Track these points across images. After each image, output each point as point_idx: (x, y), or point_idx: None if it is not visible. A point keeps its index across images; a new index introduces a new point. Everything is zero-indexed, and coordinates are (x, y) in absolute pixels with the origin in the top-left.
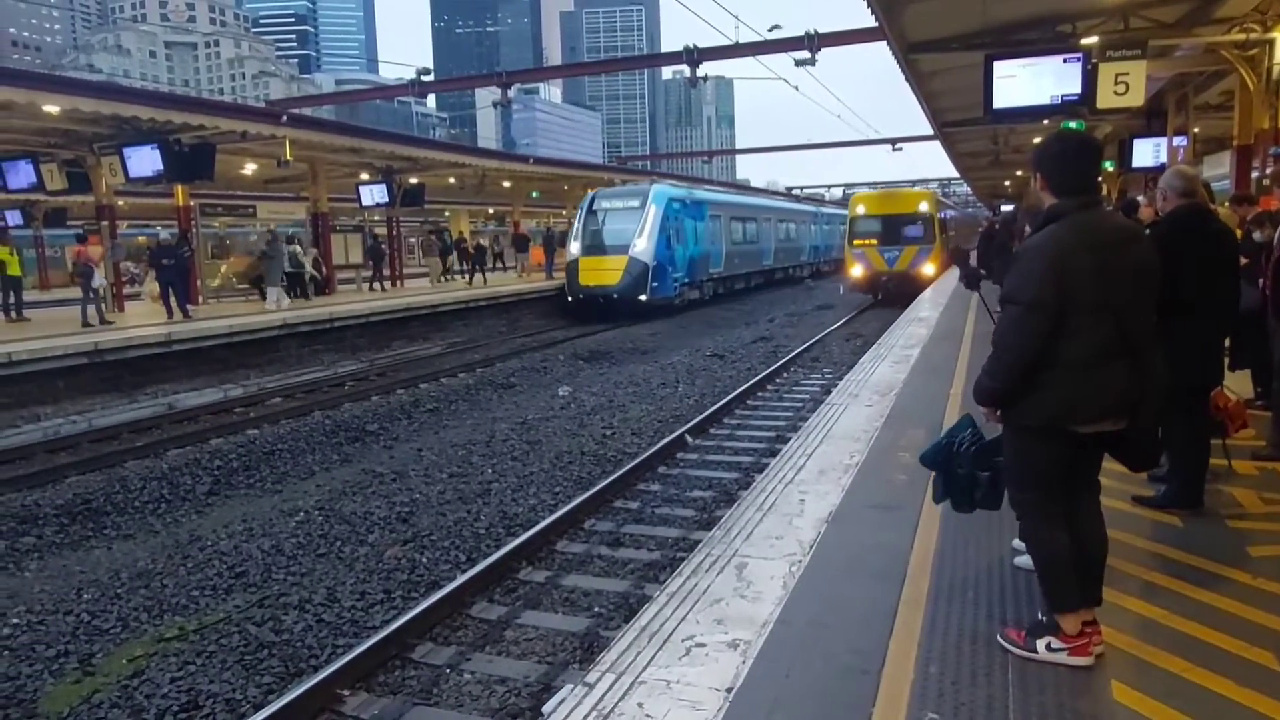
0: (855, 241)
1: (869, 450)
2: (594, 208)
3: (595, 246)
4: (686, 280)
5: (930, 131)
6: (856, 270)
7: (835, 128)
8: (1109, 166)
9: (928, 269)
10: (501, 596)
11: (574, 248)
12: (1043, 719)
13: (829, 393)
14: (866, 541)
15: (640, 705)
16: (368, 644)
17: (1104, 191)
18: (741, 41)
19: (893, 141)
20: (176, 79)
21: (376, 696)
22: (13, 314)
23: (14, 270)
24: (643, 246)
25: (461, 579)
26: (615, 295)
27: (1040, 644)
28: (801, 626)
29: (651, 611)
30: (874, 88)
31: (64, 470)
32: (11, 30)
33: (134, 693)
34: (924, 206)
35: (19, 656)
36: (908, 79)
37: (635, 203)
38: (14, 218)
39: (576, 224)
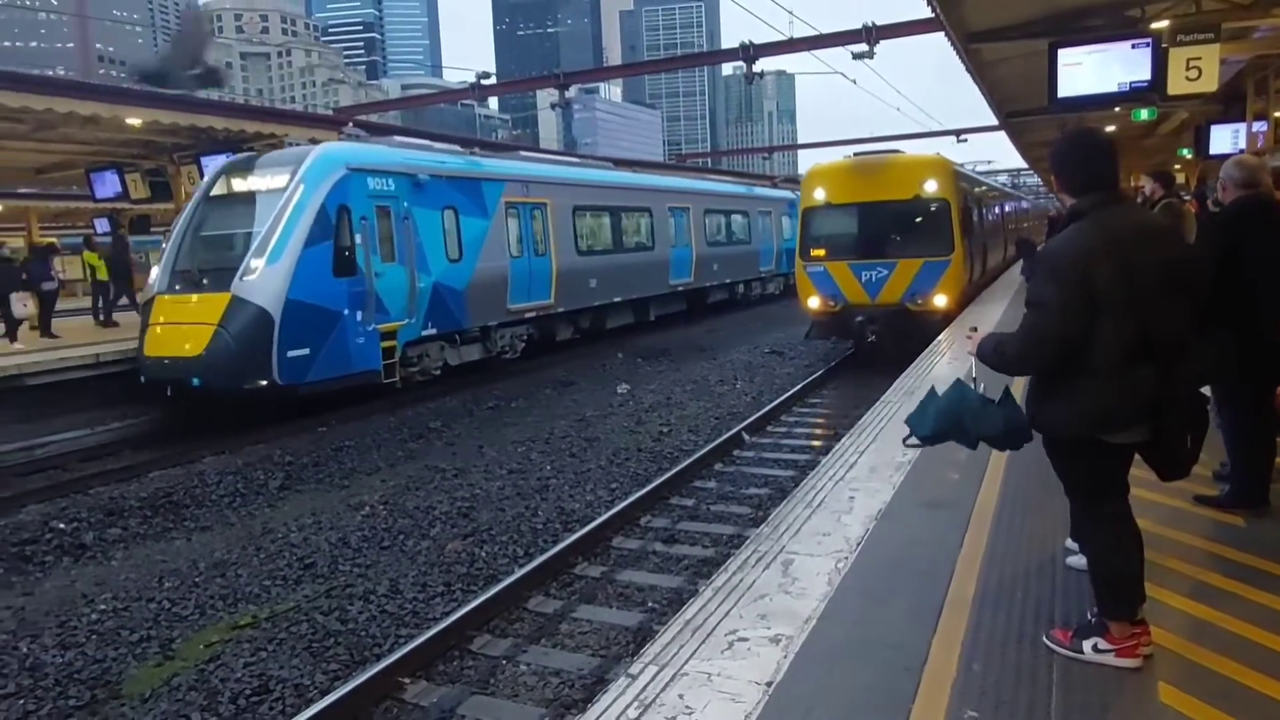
0: (813, 252)
1: (922, 448)
2: (213, 193)
3: (187, 275)
4: (434, 330)
5: (995, 122)
6: (814, 302)
7: (897, 121)
8: (1186, 154)
9: (939, 299)
10: (557, 591)
11: (154, 275)
12: (1083, 717)
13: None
14: (915, 539)
15: (681, 697)
16: (428, 635)
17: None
18: (796, 36)
19: (957, 133)
20: (251, 88)
21: (436, 685)
22: (101, 317)
23: (103, 275)
24: (266, 273)
25: (519, 573)
26: (198, 382)
27: (1087, 645)
28: (845, 623)
29: (696, 606)
30: (936, 78)
31: (148, 466)
32: (99, 46)
33: (210, 676)
34: (931, 186)
35: (105, 640)
36: (969, 69)
37: (278, 180)
38: (102, 225)
39: (177, 226)
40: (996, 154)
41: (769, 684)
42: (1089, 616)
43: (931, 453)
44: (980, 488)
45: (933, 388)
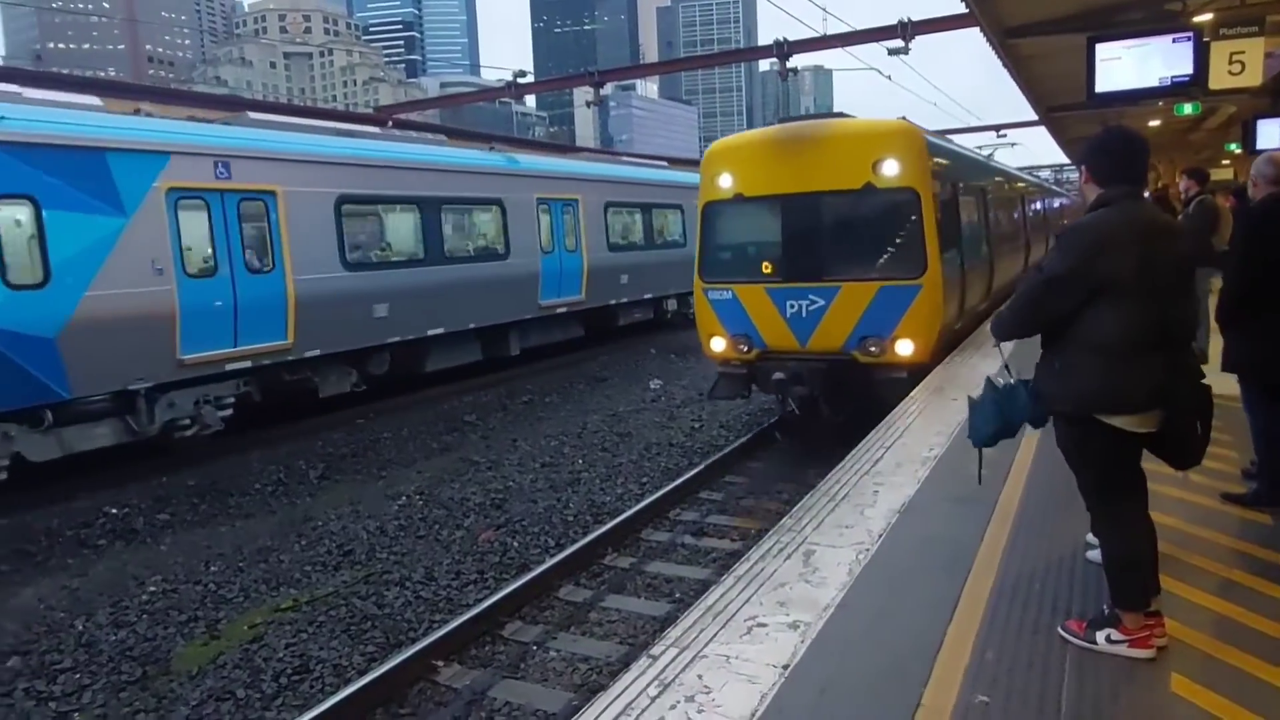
0: (717, 270)
1: (950, 443)
2: None
3: None
4: None
5: (1036, 117)
6: (718, 344)
7: (934, 116)
8: (1234, 148)
9: (903, 345)
10: (587, 580)
11: None
12: (1096, 707)
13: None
14: (937, 533)
15: (700, 677)
16: (461, 620)
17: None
18: (830, 34)
19: (997, 128)
20: (294, 87)
21: (468, 668)
22: None
23: None
24: None
25: (550, 563)
26: None
27: (1100, 635)
28: (862, 611)
29: (718, 593)
30: (976, 73)
31: (196, 455)
32: (148, 47)
33: (253, 656)
34: (891, 168)
35: (156, 620)
36: (1005, 65)
37: None
38: None
39: None
40: (1042, 150)
41: (785, 667)
42: (1103, 609)
43: (959, 448)
44: (1005, 483)
45: (969, 396)
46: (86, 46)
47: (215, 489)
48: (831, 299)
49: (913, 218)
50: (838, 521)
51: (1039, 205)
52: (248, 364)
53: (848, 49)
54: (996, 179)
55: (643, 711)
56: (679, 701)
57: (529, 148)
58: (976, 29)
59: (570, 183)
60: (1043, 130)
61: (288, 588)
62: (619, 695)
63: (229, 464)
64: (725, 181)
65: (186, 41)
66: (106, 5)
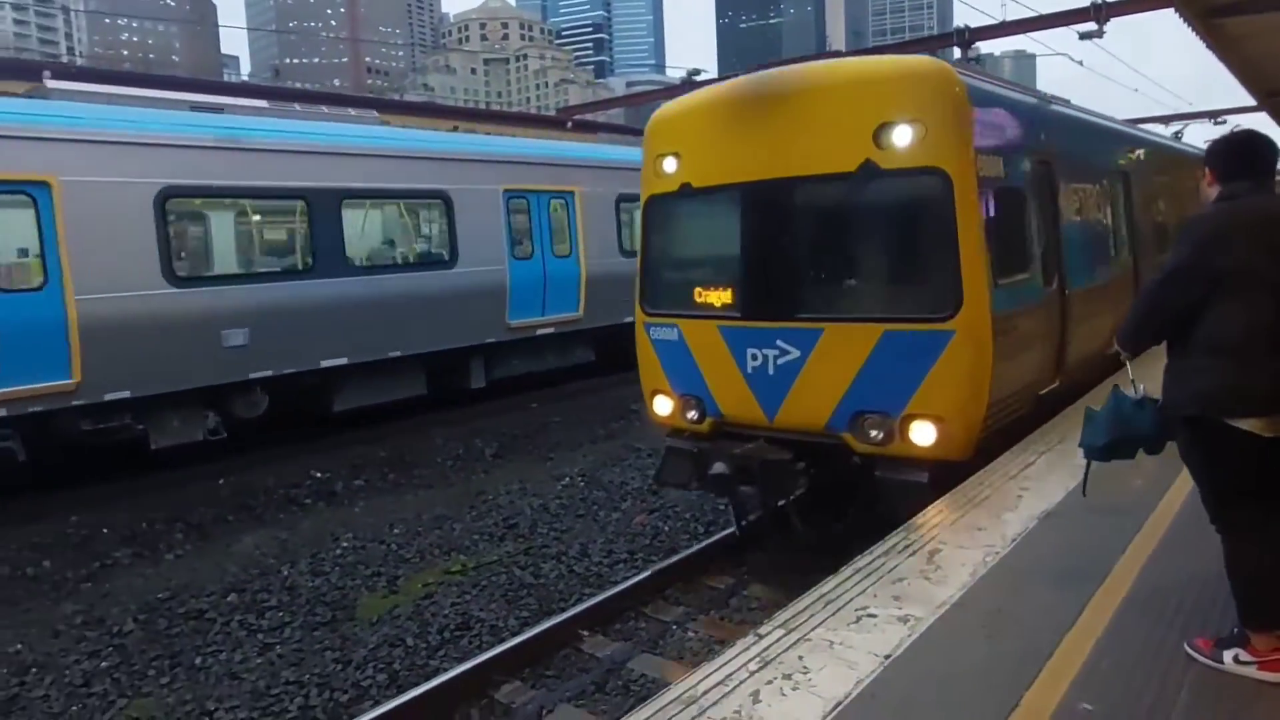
0: (655, 309)
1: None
2: None
3: None
4: None
5: (1253, 102)
6: (663, 405)
7: (1137, 103)
8: None
9: (922, 431)
10: (732, 569)
11: None
12: None
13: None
14: (1077, 541)
15: (800, 658)
16: (608, 594)
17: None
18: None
19: (1213, 115)
20: (492, 91)
21: (610, 640)
22: None
23: None
24: None
25: (696, 548)
26: None
27: (1228, 655)
28: (978, 611)
29: (833, 582)
30: (1183, 57)
31: (389, 430)
32: (368, 59)
33: (424, 610)
34: (904, 135)
35: (346, 572)
36: (1210, 47)
37: None
38: None
39: None
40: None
41: (887, 657)
42: (1233, 628)
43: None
44: (1165, 496)
45: (1088, 407)
46: (317, 60)
47: (403, 460)
48: (810, 348)
49: (941, 218)
50: (972, 523)
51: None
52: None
53: (1033, 35)
54: (1137, 155)
55: (740, 683)
56: (776, 678)
57: (538, 126)
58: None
59: (562, 170)
60: (1263, 117)
61: (457, 553)
62: (720, 667)
63: (416, 439)
64: (669, 166)
65: (400, 53)
66: (334, 24)
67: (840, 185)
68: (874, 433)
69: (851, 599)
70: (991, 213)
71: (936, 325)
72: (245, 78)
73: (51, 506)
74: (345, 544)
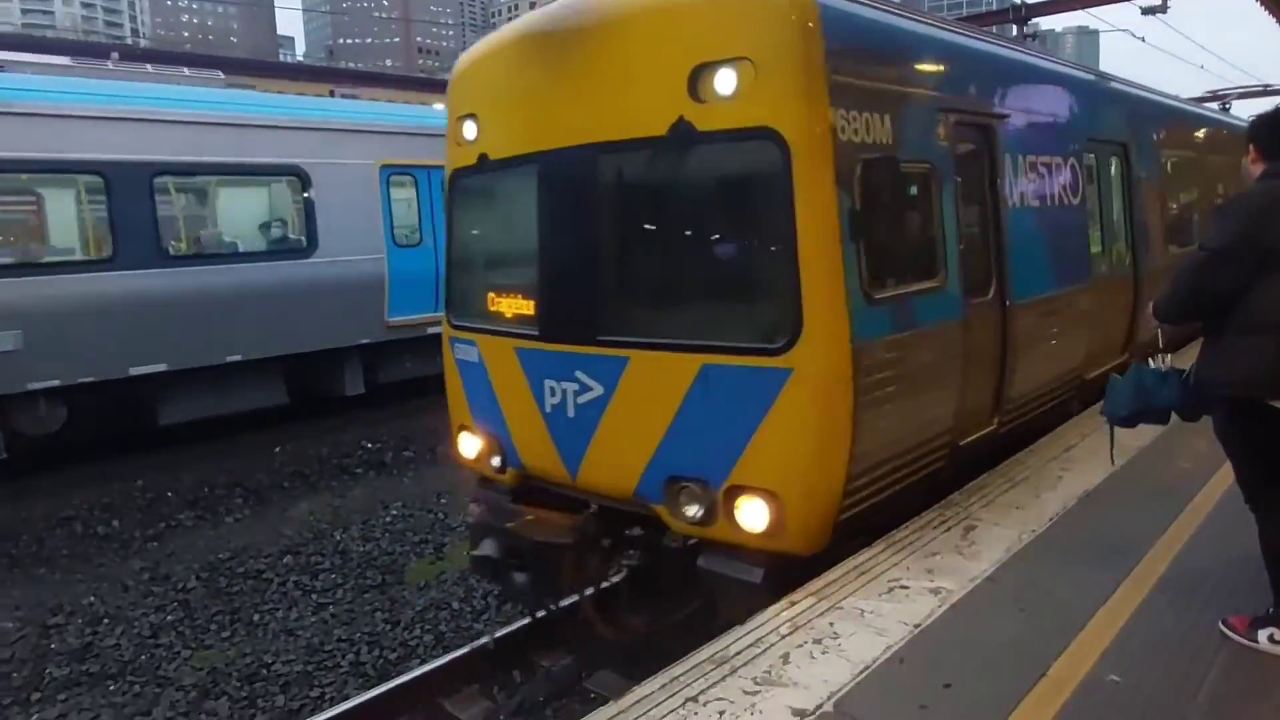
0: (459, 318)
1: (1157, 435)
2: None
3: None
4: None
5: None
6: (469, 444)
7: (1204, 82)
8: None
9: (752, 511)
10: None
11: None
12: (1238, 701)
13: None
14: (1115, 521)
15: (831, 624)
16: None
17: None
18: None
19: (1264, 92)
20: None
21: None
22: None
23: None
24: None
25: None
26: None
27: (1263, 634)
28: (1011, 585)
29: (866, 555)
30: (1249, 31)
31: (437, 404)
32: (419, 39)
33: (469, 577)
34: (727, 81)
35: (395, 538)
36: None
37: None
38: None
39: None
40: None
41: (917, 626)
42: (1269, 609)
43: (1168, 440)
44: (1211, 479)
45: (1112, 375)
46: (370, 41)
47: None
48: (614, 384)
49: (773, 203)
50: (1010, 502)
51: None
52: None
53: (1093, 11)
54: (1144, 122)
55: (771, 645)
56: (806, 641)
57: None
58: None
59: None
60: None
61: None
62: (752, 630)
63: None
64: (469, 131)
65: (450, 33)
66: (385, 3)
67: (648, 155)
68: (691, 508)
69: (884, 570)
70: (862, 196)
71: (767, 360)
72: (300, 59)
73: (120, 471)
74: (395, 511)
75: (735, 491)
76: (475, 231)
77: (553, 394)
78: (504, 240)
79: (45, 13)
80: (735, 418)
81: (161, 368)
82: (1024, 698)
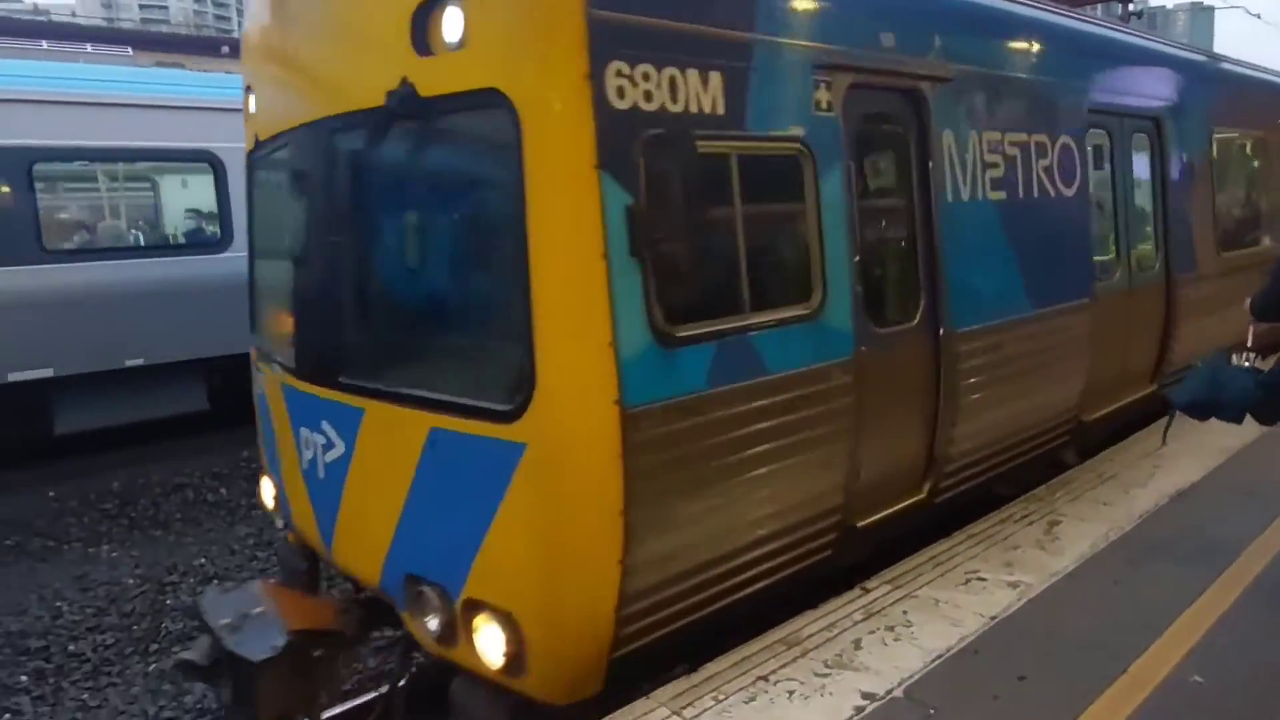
0: (257, 337)
1: (1259, 435)
2: None
3: None
4: None
5: None
6: (269, 490)
7: None
8: None
9: (489, 637)
10: None
11: None
12: None
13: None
14: (1208, 521)
15: (905, 613)
16: None
17: None
18: None
19: None
20: None
21: None
22: None
23: None
24: None
25: None
26: None
27: None
28: (1094, 581)
29: (944, 545)
30: None
31: None
32: None
33: None
34: (454, 26)
35: None
36: None
37: None
38: None
39: None
40: None
41: (993, 618)
42: None
43: (1269, 441)
44: None
45: (1199, 360)
46: None
47: None
48: (353, 440)
49: (500, 200)
50: (1097, 498)
51: None
52: None
53: None
54: (1184, 90)
55: (844, 631)
56: (879, 628)
57: None
58: None
59: None
60: None
61: None
62: (825, 615)
63: None
64: (252, 105)
65: None
66: None
67: (368, 134)
68: (431, 620)
69: (961, 562)
70: (654, 189)
71: (496, 429)
72: None
73: (225, 443)
74: None
75: (472, 608)
76: (261, 230)
77: (306, 445)
78: (273, 243)
79: (160, 7)
80: (468, 505)
81: (48, 373)
82: (1100, 694)
